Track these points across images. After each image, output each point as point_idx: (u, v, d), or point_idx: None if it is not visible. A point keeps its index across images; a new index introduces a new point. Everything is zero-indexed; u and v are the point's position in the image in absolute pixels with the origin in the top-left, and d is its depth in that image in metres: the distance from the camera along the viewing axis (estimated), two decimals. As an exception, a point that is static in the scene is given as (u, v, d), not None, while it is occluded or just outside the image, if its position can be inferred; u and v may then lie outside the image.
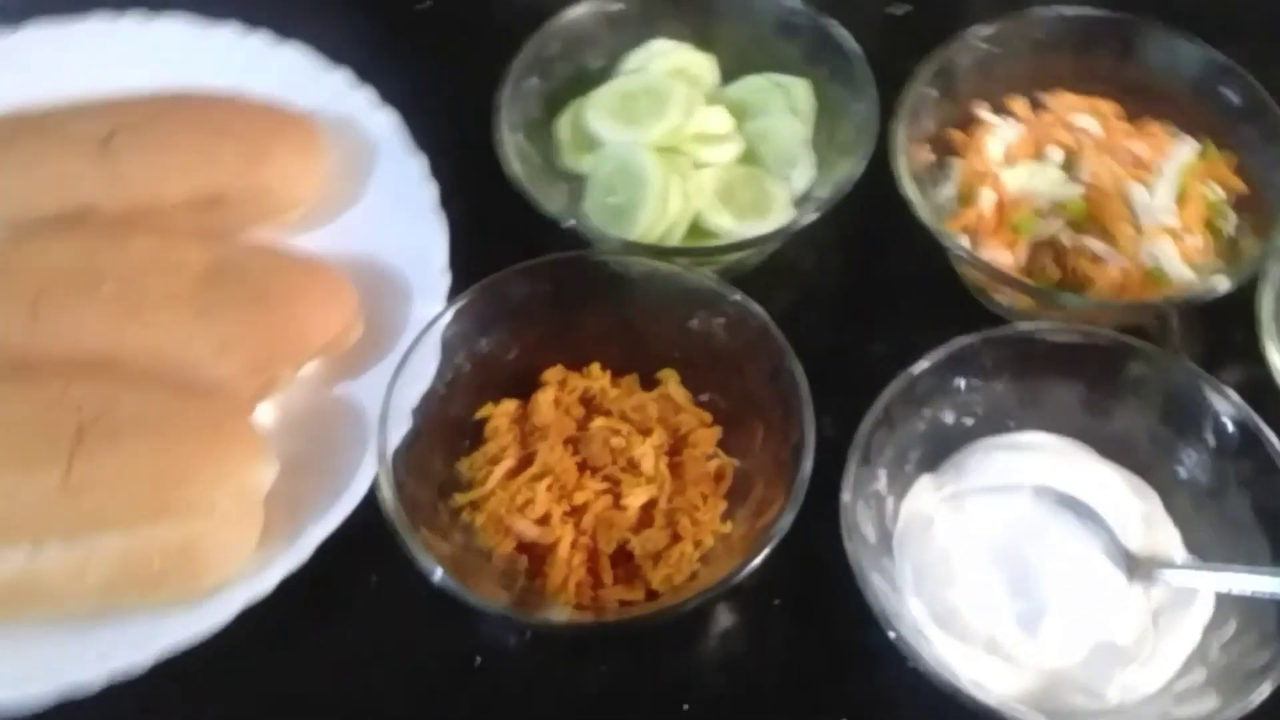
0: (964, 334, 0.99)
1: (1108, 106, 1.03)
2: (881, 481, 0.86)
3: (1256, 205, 0.97)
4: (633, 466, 0.90)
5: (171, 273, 0.94)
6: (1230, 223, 0.98)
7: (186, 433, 0.88)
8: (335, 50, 1.14)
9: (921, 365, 0.86)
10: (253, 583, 0.87)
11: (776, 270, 1.05)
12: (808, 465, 0.82)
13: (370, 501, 0.88)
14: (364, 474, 0.91)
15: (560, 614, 0.84)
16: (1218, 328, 1.00)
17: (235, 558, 0.87)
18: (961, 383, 0.89)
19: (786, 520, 0.81)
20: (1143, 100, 1.03)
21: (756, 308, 0.90)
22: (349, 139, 1.09)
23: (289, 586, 0.87)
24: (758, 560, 0.80)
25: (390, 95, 1.11)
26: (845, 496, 0.82)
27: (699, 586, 0.83)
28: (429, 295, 0.99)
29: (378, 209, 1.06)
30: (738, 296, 0.90)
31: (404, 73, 1.15)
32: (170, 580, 0.86)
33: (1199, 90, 1.02)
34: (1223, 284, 0.91)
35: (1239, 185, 0.98)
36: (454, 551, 0.86)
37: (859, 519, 0.83)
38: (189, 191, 1.00)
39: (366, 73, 1.13)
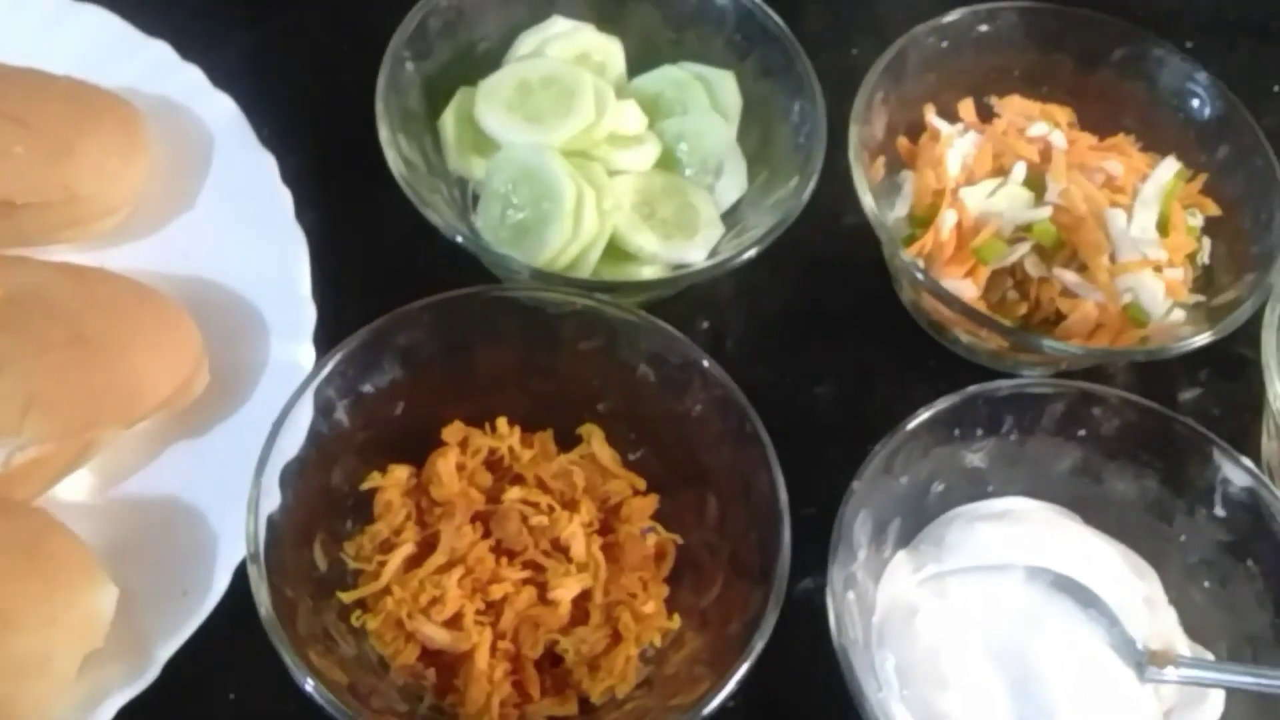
0: (917, 374, 0.90)
1: (1062, 113, 0.92)
2: (860, 563, 0.73)
3: (1231, 230, 0.88)
4: (558, 549, 0.74)
5: (-51, 308, 0.72)
6: (1205, 251, 0.88)
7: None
8: (146, 20, 0.91)
9: (908, 428, 0.73)
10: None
11: (694, 295, 0.91)
12: (785, 562, 0.68)
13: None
14: (219, 567, 0.73)
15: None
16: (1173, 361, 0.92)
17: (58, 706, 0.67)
18: (942, 444, 0.76)
19: (768, 625, 0.67)
20: (1100, 108, 0.93)
21: (702, 356, 0.75)
22: (173, 129, 0.88)
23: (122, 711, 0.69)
24: (733, 684, 0.66)
25: (220, 78, 0.90)
26: (836, 586, 0.68)
27: (656, 711, 0.68)
28: (289, 330, 0.81)
29: (216, 219, 0.86)
30: (678, 339, 0.76)
31: (235, 49, 0.94)
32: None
33: (1166, 100, 0.92)
34: (1203, 336, 0.81)
35: (1213, 208, 0.89)
36: (344, 667, 0.68)
37: (846, 613, 0.69)
38: (-34, 196, 0.78)
39: (188, 48, 0.91)
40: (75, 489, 0.76)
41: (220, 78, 0.90)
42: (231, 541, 0.73)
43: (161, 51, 0.90)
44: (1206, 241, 0.89)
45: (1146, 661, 0.73)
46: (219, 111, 0.88)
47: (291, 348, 0.80)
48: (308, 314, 0.81)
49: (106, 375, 0.74)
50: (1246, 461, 0.75)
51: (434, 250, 0.83)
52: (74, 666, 0.66)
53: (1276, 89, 1.07)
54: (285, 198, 0.85)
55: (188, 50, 0.90)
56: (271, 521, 0.68)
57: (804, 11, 1.03)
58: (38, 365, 0.72)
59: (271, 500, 0.69)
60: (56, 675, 0.65)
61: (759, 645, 0.66)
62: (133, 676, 0.69)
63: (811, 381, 0.89)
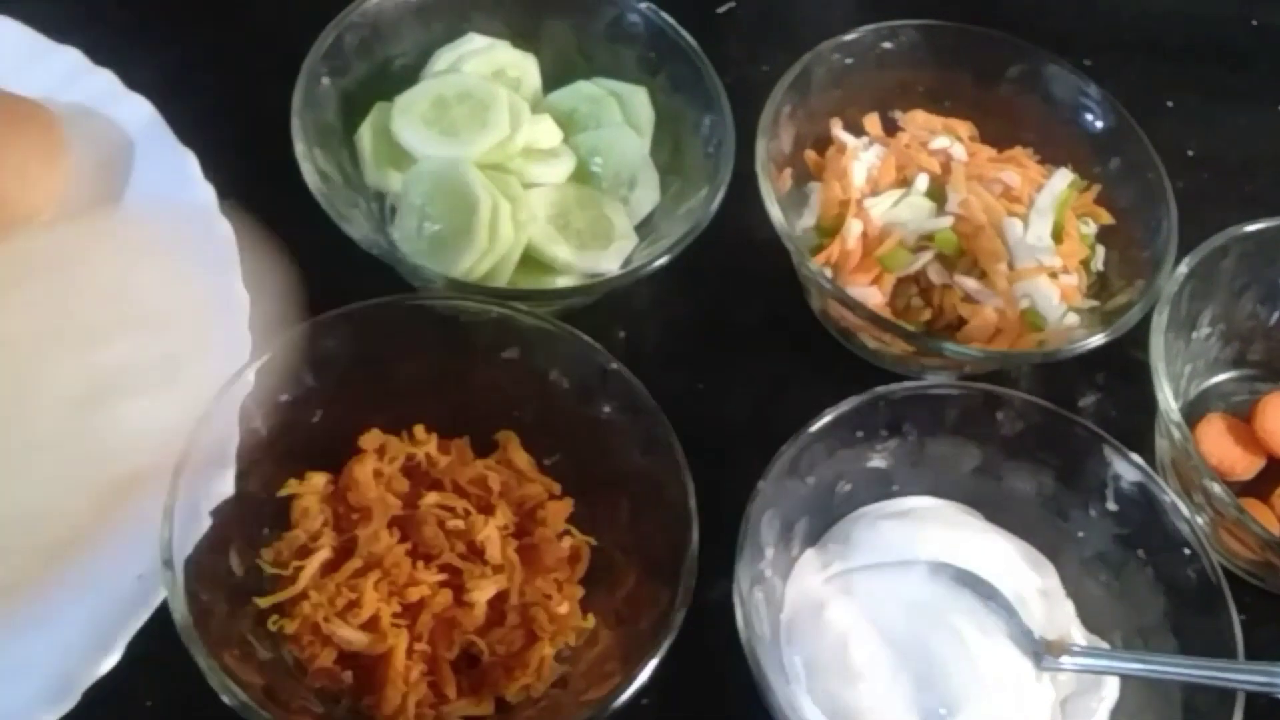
0: (827, 379, 0.92)
1: (964, 127, 0.96)
2: (767, 561, 0.75)
3: (1123, 238, 0.92)
4: (474, 552, 0.76)
5: None
6: (1099, 258, 0.92)
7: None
8: (58, 35, 0.92)
9: (812, 430, 0.76)
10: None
11: (611, 306, 0.93)
12: (692, 562, 0.70)
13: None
14: (147, 584, 0.72)
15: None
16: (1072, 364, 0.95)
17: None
18: (847, 445, 0.79)
19: (676, 622, 0.69)
20: (999, 122, 0.97)
21: (612, 362, 0.77)
22: (90, 133, 0.88)
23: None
24: (642, 678, 0.67)
25: (133, 83, 0.91)
26: (742, 584, 0.71)
27: (569, 708, 0.70)
28: (224, 321, 0.80)
29: (140, 219, 0.86)
30: (590, 346, 0.78)
31: (152, 67, 0.95)
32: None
33: (1060, 114, 0.96)
34: (1097, 338, 0.85)
35: (1105, 217, 0.93)
36: (261, 671, 0.69)
37: (754, 611, 0.72)
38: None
39: (98, 55, 0.92)
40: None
41: (138, 89, 0.90)
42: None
43: (73, 57, 0.90)
44: (1100, 249, 0.92)
45: (1043, 651, 0.76)
46: (135, 113, 0.88)
47: (228, 336, 0.79)
48: (241, 302, 0.81)
49: None
50: (1135, 457, 0.78)
51: (353, 261, 0.84)
52: None
53: (1170, 104, 1.12)
54: (209, 192, 0.86)
55: (98, 57, 0.91)
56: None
57: (716, 29, 1.06)
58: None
59: (190, 506, 0.70)
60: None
61: (667, 641, 0.68)
62: (96, 661, 0.69)
63: (725, 388, 0.91)
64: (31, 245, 0.83)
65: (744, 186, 0.88)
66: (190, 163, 0.87)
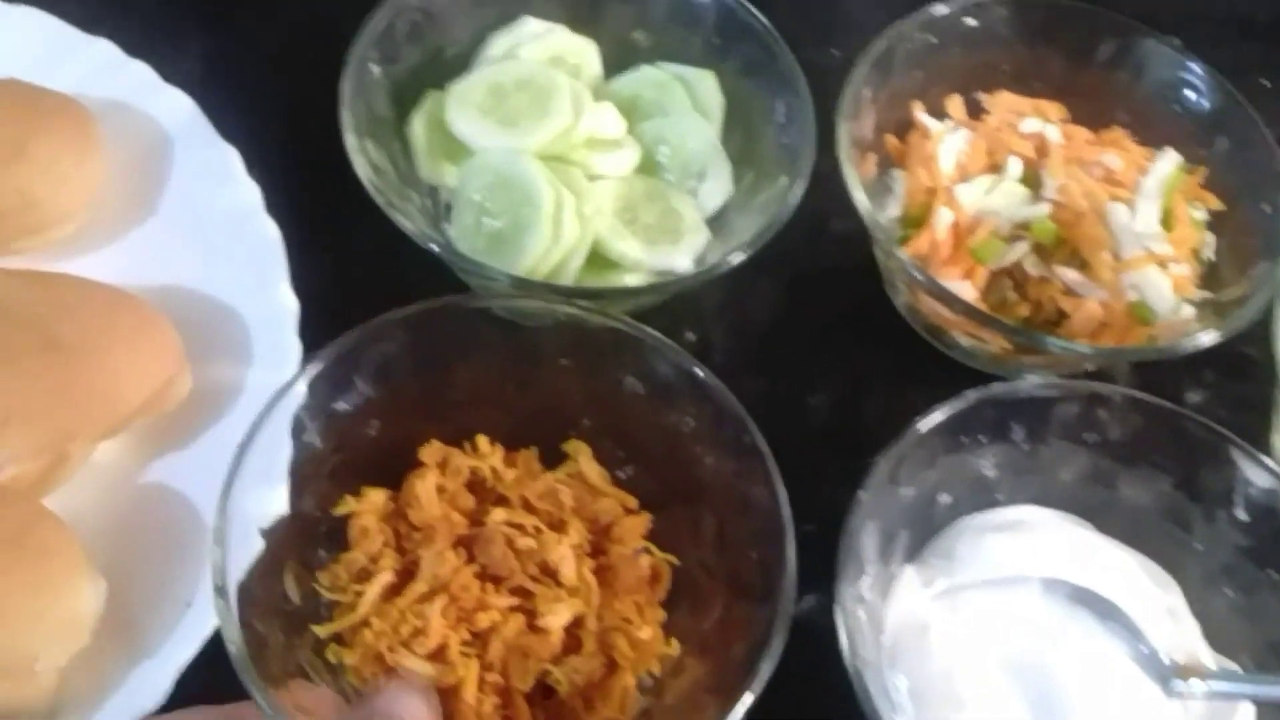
0: (914, 380, 0.86)
1: (1054, 109, 0.89)
2: (868, 578, 0.69)
3: (1234, 225, 0.86)
4: (547, 574, 0.70)
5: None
6: (1209, 246, 0.86)
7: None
8: (92, 26, 0.87)
9: (913, 436, 0.69)
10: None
11: (679, 307, 0.87)
12: (790, 580, 0.64)
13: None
14: (198, 613, 0.68)
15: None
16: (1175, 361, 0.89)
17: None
18: (949, 452, 0.72)
19: (776, 648, 0.62)
20: (1091, 103, 0.90)
21: (695, 365, 0.71)
22: (126, 128, 0.83)
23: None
24: (741, 712, 0.61)
25: (175, 83, 0.86)
26: (846, 602, 0.65)
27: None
28: (271, 329, 0.77)
29: (180, 220, 0.82)
30: (668, 348, 0.72)
31: (184, 50, 0.90)
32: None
33: (1159, 93, 0.89)
34: (1214, 333, 0.78)
35: (1214, 201, 0.86)
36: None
37: (858, 632, 0.65)
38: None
39: (132, 47, 0.87)
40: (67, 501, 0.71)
41: (175, 83, 0.85)
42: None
43: (106, 50, 0.86)
44: (1210, 237, 0.86)
45: (1172, 675, 0.69)
46: (173, 108, 0.84)
47: (276, 344, 0.76)
48: (289, 308, 0.77)
49: (84, 382, 0.69)
50: (1269, 461, 0.72)
51: (406, 261, 0.78)
52: (60, 664, 0.62)
53: (1266, 83, 1.05)
54: (253, 191, 0.81)
55: (139, 57, 0.86)
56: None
57: (774, 10, 1.00)
58: (10, 376, 0.67)
59: (241, 527, 0.65)
60: (42, 674, 0.61)
61: (767, 670, 0.62)
62: (145, 697, 0.65)
63: (804, 391, 0.86)
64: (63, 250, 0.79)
65: (816, 177, 0.82)
66: (233, 159, 0.82)
